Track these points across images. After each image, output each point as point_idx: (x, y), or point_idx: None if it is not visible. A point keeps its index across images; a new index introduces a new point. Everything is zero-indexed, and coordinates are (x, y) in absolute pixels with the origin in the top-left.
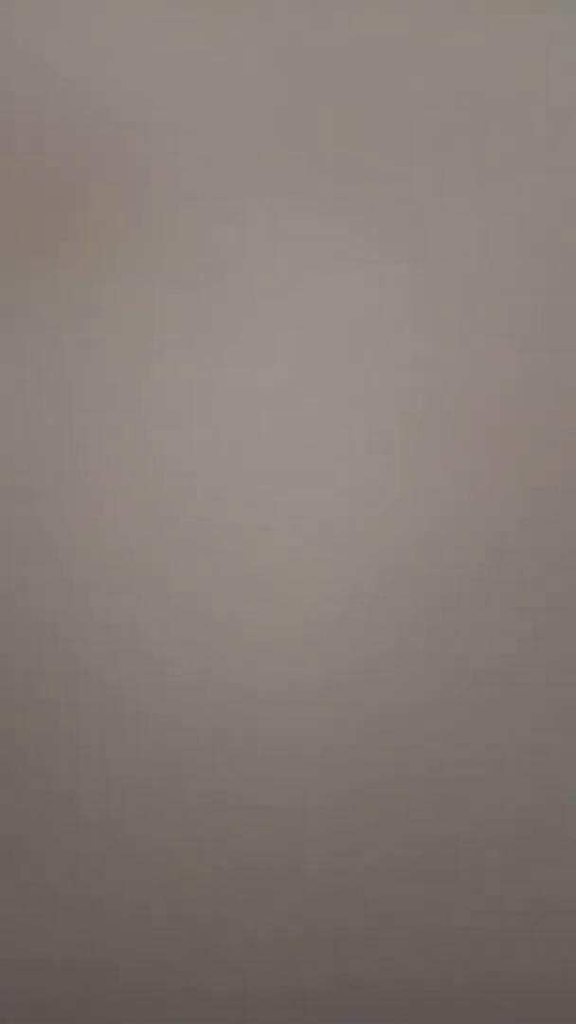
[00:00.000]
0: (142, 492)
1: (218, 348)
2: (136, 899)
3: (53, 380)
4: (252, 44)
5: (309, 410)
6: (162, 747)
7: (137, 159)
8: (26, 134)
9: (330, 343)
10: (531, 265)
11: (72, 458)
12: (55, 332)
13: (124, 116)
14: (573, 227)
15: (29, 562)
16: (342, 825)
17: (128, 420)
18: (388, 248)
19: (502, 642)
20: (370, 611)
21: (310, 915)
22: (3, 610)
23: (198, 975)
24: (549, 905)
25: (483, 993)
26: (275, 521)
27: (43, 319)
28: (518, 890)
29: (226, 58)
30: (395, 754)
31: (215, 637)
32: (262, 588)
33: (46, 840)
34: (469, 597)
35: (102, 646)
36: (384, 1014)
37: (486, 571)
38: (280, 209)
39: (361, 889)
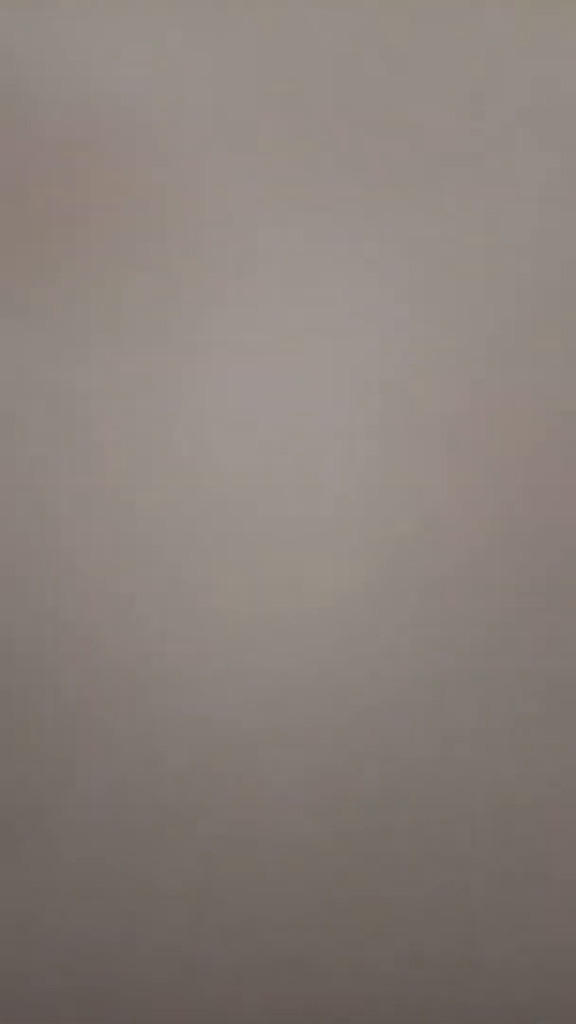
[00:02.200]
0: (138, 490)
1: (218, 347)
2: (126, 906)
3: (50, 376)
4: (252, 41)
5: (309, 410)
6: (161, 749)
7: (137, 161)
8: (22, 131)
9: (330, 342)
10: (535, 261)
11: (70, 458)
12: (51, 331)
13: (123, 116)
14: None
15: (26, 562)
16: (339, 828)
17: (126, 419)
18: (390, 247)
19: (503, 639)
20: (372, 612)
21: (307, 918)
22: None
23: (192, 988)
24: (545, 900)
25: (480, 993)
26: (273, 514)
27: (40, 318)
28: (517, 892)
29: (226, 57)
30: (392, 755)
31: (217, 637)
32: (261, 589)
33: (33, 847)
34: (471, 601)
35: (101, 654)
36: None
37: (487, 570)
38: (281, 211)
39: (359, 893)
